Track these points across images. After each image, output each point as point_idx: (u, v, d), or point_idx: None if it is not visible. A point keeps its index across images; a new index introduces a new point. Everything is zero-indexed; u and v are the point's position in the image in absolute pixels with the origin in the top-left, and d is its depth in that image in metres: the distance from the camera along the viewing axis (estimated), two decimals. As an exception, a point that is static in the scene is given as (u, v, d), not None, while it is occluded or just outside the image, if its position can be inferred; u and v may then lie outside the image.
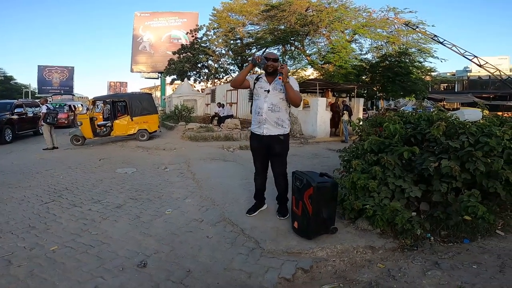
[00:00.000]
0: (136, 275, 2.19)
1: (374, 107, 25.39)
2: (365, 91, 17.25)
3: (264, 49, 22.73)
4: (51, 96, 32.41)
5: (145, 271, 2.24)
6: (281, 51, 20.80)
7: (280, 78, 2.74)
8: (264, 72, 2.99)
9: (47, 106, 8.49)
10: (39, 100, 11.41)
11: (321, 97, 11.93)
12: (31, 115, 11.54)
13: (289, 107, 3.00)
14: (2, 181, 4.85)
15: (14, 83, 43.30)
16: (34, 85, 41.57)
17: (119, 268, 2.27)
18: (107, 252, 2.52)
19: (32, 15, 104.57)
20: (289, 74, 3.07)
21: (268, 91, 2.91)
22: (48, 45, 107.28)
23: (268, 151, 3.03)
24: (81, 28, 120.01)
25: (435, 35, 16.92)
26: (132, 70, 33.59)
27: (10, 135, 9.79)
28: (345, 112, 10.26)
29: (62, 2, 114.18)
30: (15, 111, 10.43)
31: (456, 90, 28.45)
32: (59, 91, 38.47)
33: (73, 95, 35.82)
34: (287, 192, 3.15)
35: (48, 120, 8.22)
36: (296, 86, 2.91)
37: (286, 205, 3.18)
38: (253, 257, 2.43)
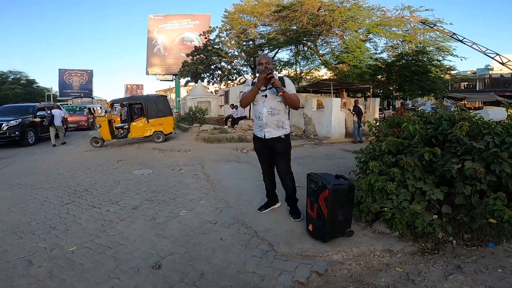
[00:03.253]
0: (151, 277, 2.21)
1: (391, 106, 24.82)
2: (381, 91, 16.88)
3: (276, 50, 22.69)
4: (71, 99, 33.60)
5: (159, 273, 2.26)
6: (293, 51, 20.69)
7: (280, 94, 2.76)
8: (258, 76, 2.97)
9: (50, 111, 10.37)
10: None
11: (336, 97, 11.77)
12: (53, 117, 11.97)
13: (287, 108, 3.02)
14: (25, 182, 5.05)
15: (37, 86, 44.99)
16: (55, 88, 43.24)
17: (134, 270, 2.30)
18: (124, 253, 2.56)
19: (52, 19, 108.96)
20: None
21: (266, 95, 2.93)
22: (68, 48, 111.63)
23: (271, 151, 3.06)
24: (99, 31, 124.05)
25: (454, 33, 16.36)
26: (147, 73, 34.34)
27: (33, 138, 10.18)
28: (353, 112, 10.23)
29: (80, 5, 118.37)
30: (38, 114, 10.84)
31: (477, 89, 27.41)
32: (79, 94, 39.84)
33: (92, 97, 36.96)
34: (296, 192, 3.17)
35: (43, 122, 10.22)
36: (292, 89, 2.95)
37: (296, 206, 3.17)
38: (266, 259, 2.41)
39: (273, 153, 3.07)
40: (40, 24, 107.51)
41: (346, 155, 7.09)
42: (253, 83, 3.04)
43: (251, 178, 4.86)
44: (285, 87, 2.89)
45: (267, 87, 2.91)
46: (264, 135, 2.99)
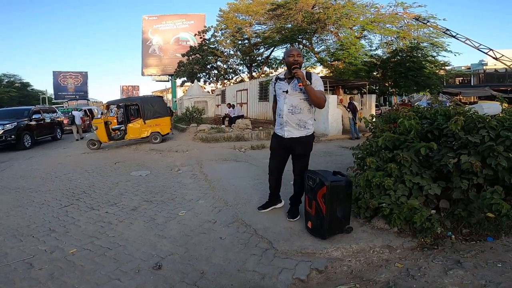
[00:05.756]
0: (151, 277, 2.21)
1: (387, 103, 24.94)
2: (377, 87, 16.96)
3: (272, 48, 22.68)
4: (66, 101, 33.35)
5: (160, 273, 2.26)
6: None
7: (300, 85, 2.62)
8: (285, 71, 2.87)
9: (71, 113, 13.21)
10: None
11: (332, 94, 11.80)
12: (49, 120, 11.90)
13: (313, 107, 2.86)
14: (23, 185, 5.01)
15: (31, 89, 44.69)
16: (50, 91, 42.87)
17: (135, 270, 2.30)
18: (124, 254, 2.56)
19: (45, 21, 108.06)
20: (306, 68, 3.01)
21: (287, 91, 2.80)
22: (62, 50, 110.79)
23: (289, 152, 2.97)
24: (93, 33, 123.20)
25: (447, 29, 16.46)
26: (143, 74, 34.17)
27: (29, 141, 10.10)
28: (349, 109, 10.31)
29: (74, 7, 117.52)
30: (33, 117, 10.75)
31: (472, 84, 27.60)
32: (74, 96, 39.57)
33: (88, 99, 36.70)
34: (302, 195, 3.06)
35: (67, 122, 13.49)
36: (319, 85, 2.76)
37: (297, 207, 3.12)
38: (266, 258, 2.41)
39: (291, 154, 2.97)
40: (34, 26, 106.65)
41: (344, 152, 7.12)
42: (276, 79, 2.93)
43: (249, 177, 4.87)
44: (311, 83, 2.73)
45: (290, 83, 2.76)
46: (284, 134, 2.86)
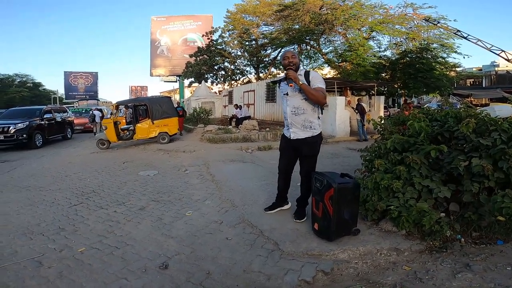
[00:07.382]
0: (158, 277, 2.23)
1: (396, 104, 24.67)
2: (386, 89, 16.79)
3: (279, 49, 22.68)
4: (77, 101, 33.90)
5: (166, 273, 2.27)
6: (296, 50, 20.65)
7: (291, 85, 2.66)
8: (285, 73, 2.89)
9: (92, 112, 14.49)
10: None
11: (340, 96, 11.72)
12: (60, 120, 12.12)
13: (318, 106, 2.85)
14: (34, 184, 5.11)
15: (43, 89, 45.52)
16: (61, 91, 43.62)
17: (142, 270, 2.32)
18: (131, 253, 2.59)
19: (56, 22, 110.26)
20: (314, 69, 3.02)
21: (287, 93, 2.83)
22: (73, 51, 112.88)
23: (297, 153, 2.97)
24: (103, 33, 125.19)
25: (458, 30, 16.22)
26: (151, 74, 34.52)
27: (41, 140, 10.30)
28: (357, 111, 10.24)
29: (84, 8, 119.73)
30: (45, 116, 10.96)
31: (483, 86, 27.08)
32: (84, 96, 40.15)
33: (98, 100, 37.21)
34: (309, 196, 3.04)
35: (88, 120, 14.73)
36: (318, 82, 2.76)
37: (304, 208, 3.11)
38: (272, 259, 2.41)
39: (298, 154, 2.98)
40: (46, 27, 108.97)
41: (351, 154, 7.06)
42: (279, 81, 2.98)
43: (256, 178, 4.87)
44: (309, 81, 2.74)
45: (289, 82, 2.77)
46: (290, 135, 2.88)
